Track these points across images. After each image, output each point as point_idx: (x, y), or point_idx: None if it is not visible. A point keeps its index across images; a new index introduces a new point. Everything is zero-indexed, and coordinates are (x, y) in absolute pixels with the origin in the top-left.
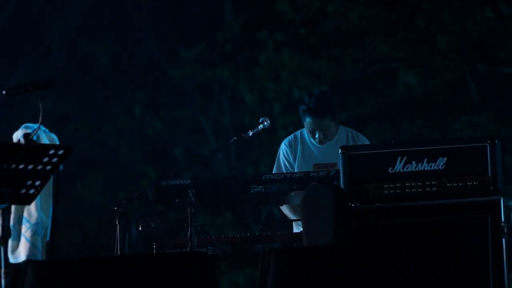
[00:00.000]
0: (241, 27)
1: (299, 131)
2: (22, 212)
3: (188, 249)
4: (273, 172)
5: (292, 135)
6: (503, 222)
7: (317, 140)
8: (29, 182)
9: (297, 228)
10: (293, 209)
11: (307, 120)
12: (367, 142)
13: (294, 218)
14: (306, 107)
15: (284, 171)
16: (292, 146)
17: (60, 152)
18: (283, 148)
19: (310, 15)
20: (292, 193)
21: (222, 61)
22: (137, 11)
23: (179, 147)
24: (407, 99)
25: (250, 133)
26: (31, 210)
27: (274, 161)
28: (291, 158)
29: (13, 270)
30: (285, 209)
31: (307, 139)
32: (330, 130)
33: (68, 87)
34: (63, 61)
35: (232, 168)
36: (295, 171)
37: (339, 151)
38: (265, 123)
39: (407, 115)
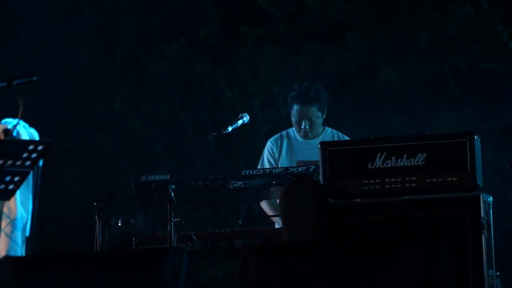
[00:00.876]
0: (222, 22)
1: (285, 130)
2: (2, 207)
3: (168, 244)
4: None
5: (278, 134)
6: (483, 218)
7: (302, 131)
8: (8, 178)
9: (278, 225)
10: (272, 205)
11: (295, 108)
12: None
13: (273, 214)
14: (295, 93)
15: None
16: (277, 143)
17: (40, 147)
18: (268, 146)
19: (290, 10)
20: (272, 189)
21: (203, 56)
22: (117, 5)
23: (159, 142)
24: (387, 94)
25: (230, 129)
26: (11, 206)
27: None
28: (276, 155)
29: None
30: (264, 205)
31: (293, 137)
32: (316, 121)
33: (48, 82)
34: (43, 55)
35: (212, 164)
36: None
37: None
38: (245, 119)
39: (387, 111)
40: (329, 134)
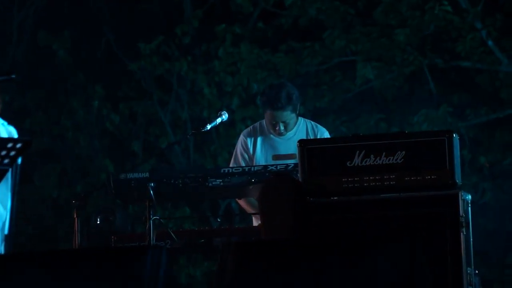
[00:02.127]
0: (200, 20)
1: (258, 122)
2: None
3: (147, 242)
4: (231, 165)
5: (251, 127)
6: (462, 216)
7: (277, 131)
8: None
9: (256, 222)
10: (251, 203)
11: (268, 112)
12: (327, 134)
13: (252, 211)
14: (267, 99)
15: (242, 163)
16: (251, 138)
17: (18, 145)
18: (241, 139)
19: (268, 9)
20: (251, 186)
21: (181, 54)
22: (95, 3)
23: (137, 140)
24: (365, 92)
25: (209, 127)
26: None
27: (232, 155)
28: (250, 149)
29: None
30: (243, 202)
31: (266, 131)
32: (291, 122)
33: (26, 80)
34: (21, 54)
35: (190, 162)
36: (255, 162)
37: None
38: (224, 117)
39: (365, 109)
40: (303, 125)
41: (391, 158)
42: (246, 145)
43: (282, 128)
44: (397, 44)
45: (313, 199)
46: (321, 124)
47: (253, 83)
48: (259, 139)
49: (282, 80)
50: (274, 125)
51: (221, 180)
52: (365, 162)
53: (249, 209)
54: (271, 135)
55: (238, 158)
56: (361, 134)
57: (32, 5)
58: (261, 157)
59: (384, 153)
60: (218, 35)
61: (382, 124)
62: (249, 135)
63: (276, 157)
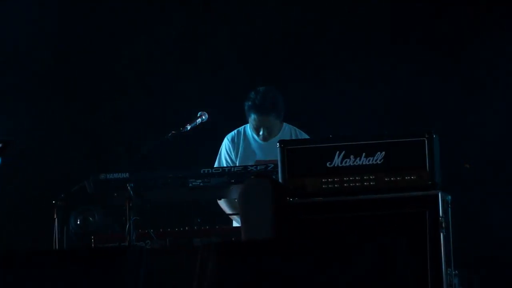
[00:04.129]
0: (182, 21)
1: (243, 127)
2: None
3: (127, 243)
4: (214, 167)
5: (235, 131)
6: (441, 217)
7: (261, 137)
8: None
9: (237, 223)
10: (231, 204)
11: (252, 117)
12: None
13: (231, 212)
14: (251, 103)
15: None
16: (234, 142)
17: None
18: (225, 143)
19: (253, 13)
20: (231, 187)
21: (162, 54)
22: (77, 4)
23: (117, 141)
24: (352, 98)
25: (189, 127)
26: None
27: (213, 155)
28: (233, 154)
29: None
30: (222, 203)
31: (250, 135)
32: (275, 127)
33: (8, 80)
34: (3, 53)
35: (170, 162)
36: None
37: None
38: (203, 117)
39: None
40: (287, 131)
41: (371, 158)
42: (230, 149)
43: (265, 133)
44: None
45: (293, 199)
46: (301, 125)
47: (235, 83)
48: (242, 144)
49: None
50: (257, 129)
51: (201, 181)
52: (345, 162)
53: (228, 210)
54: (255, 140)
55: (222, 161)
56: (341, 135)
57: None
58: (243, 162)
59: (364, 154)
60: (200, 35)
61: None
62: (233, 139)
63: (259, 162)
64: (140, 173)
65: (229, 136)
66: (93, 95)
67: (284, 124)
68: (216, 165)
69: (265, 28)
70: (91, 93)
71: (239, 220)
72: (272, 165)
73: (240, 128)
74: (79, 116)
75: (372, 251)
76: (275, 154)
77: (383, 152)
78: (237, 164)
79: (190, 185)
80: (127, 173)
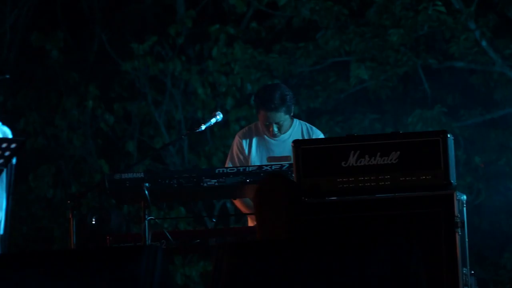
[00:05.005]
0: (193, 20)
1: (254, 123)
2: None
3: (142, 242)
4: (226, 165)
5: (246, 128)
6: (457, 216)
7: (271, 133)
8: None
9: (252, 222)
10: (246, 203)
11: (261, 113)
12: (321, 135)
13: (248, 212)
14: (260, 100)
15: (238, 164)
16: (246, 139)
17: (13, 145)
18: (237, 140)
19: (262, 9)
20: (245, 187)
21: (174, 54)
22: (88, 3)
23: (131, 140)
24: (359, 92)
25: (203, 127)
26: None
27: (227, 155)
28: (246, 150)
29: None
30: (238, 203)
31: (262, 132)
32: (285, 123)
33: (20, 80)
34: (14, 54)
35: (185, 162)
36: (250, 164)
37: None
38: (218, 117)
39: (359, 109)
40: (298, 127)
41: (386, 158)
42: (242, 146)
43: (276, 129)
44: (391, 44)
45: (308, 199)
46: (315, 125)
47: (247, 83)
48: (254, 141)
49: (276, 81)
50: (267, 126)
51: (215, 180)
52: (360, 162)
53: (244, 210)
54: (266, 137)
55: (234, 158)
56: (355, 135)
57: (24, 5)
58: (256, 159)
59: (378, 154)
60: (211, 35)
61: (376, 124)
62: (244, 136)
63: (271, 159)
64: (155, 173)
65: (240, 133)
66: (108, 94)
67: (295, 120)
68: (227, 163)
69: None
70: (105, 92)
71: (254, 220)
72: (287, 165)
73: (251, 125)
74: (92, 115)
75: (387, 250)
76: (288, 150)
77: (398, 152)
78: (250, 161)
79: (205, 184)
80: (142, 173)
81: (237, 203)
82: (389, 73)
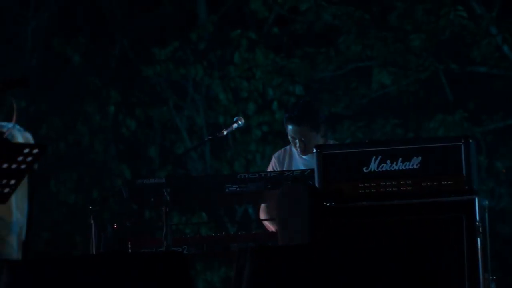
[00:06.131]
0: (215, 26)
1: (289, 145)
2: None
3: (164, 248)
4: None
5: (282, 149)
6: (478, 222)
7: (297, 148)
8: (4, 181)
9: (272, 228)
10: (264, 209)
11: (289, 128)
12: None
13: (264, 218)
14: (287, 114)
15: None
16: (280, 160)
17: (35, 151)
18: (272, 161)
19: (283, 14)
20: (267, 192)
21: (196, 59)
22: (110, 9)
23: (153, 146)
24: (381, 98)
25: (225, 132)
26: (6, 209)
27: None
28: (278, 170)
29: None
30: (263, 213)
31: (295, 153)
32: (311, 139)
33: (42, 86)
34: (36, 60)
35: (207, 167)
36: None
37: None
38: (240, 122)
39: (381, 114)
40: None
41: (408, 163)
42: (276, 166)
43: (301, 144)
44: (413, 49)
45: (329, 204)
46: (337, 130)
47: (269, 88)
48: (286, 161)
49: (298, 86)
50: (293, 141)
51: (237, 186)
52: (382, 167)
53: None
54: (300, 157)
55: None
56: (377, 140)
57: (46, 11)
58: None
59: (400, 159)
60: (233, 41)
61: (398, 129)
62: (279, 156)
63: None
64: (177, 178)
65: (276, 154)
66: (130, 99)
67: (331, 140)
68: None
69: None
70: (127, 98)
71: (272, 226)
72: (308, 170)
73: (286, 147)
74: (114, 121)
75: (409, 256)
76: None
77: (420, 157)
78: None
79: (227, 190)
80: (164, 179)
81: (262, 213)
82: (411, 78)
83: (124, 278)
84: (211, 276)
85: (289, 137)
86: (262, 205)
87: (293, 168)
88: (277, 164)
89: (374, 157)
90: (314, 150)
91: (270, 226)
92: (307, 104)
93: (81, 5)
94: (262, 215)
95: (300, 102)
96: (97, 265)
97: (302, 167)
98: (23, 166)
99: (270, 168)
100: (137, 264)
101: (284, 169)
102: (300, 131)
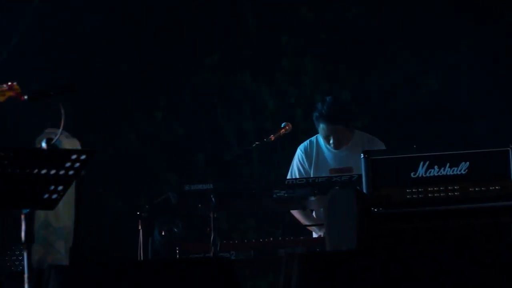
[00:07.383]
0: (262, 32)
1: (315, 136)
2: (46, 217)
3: (211, 254)
4: (287, 178)
5: (307, 141)
6: None
7: (331, 145)
8: (52, 187)
9: (316, 233)
10: (306, 214)
11: (321, 126)
12: (383, 146)
13: (307, 223)
14: (319, 113)
15: (298, 176)
16: (308, 152)
17: (82, 157)
18: (298, 153)
19: (332, 20)
20: (314, 198)
21: (243, 66)
22: (157, 15)
23: (200, 152)
24: (429, 103)
25: (272, 138)
26: (55, 215)
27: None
28: (306, 163)
29: (37, 275)
30: (296, 214)
31: (322, 145)
32: (344, 135)
33: (89, 92)
34: (83, 66)
35: (255, 173)
36: (311, 176)
37: (354, 155)
38: (287, 128)
39: (429, 119)
40: (359, 138)
41: (455, 169)
42: (303, 159)
43: (335, 141)
44: (463, 55)
45: (377, 210)
46: (384, 136)
47: (317, 94)
48: (314, 154)
49: (344, 92)
50: (327, 138)
51: (285, 191)
52: (429, 173)
53: (303, 221)
54: (326, 149)
55: (295, 171)
56: (425, 145)
57: (92, 16)
58: (317, 171)
59: (448, 164)
60: (281, 47)
61: (446, 135)
62: (306, 149)
63: (333, 171)
64: (224, 184)
65: (301, 146)
66: (177, 106)
67: (355, 131)
68: (289, 175)
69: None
70: (173, 105)
71: (317, 231)
72: (356, 176)
73: (312, 138)
74: (161, 128)
75: (457, 261)
76: (349, 162)
77: (467, 163)
78: (310, 173)
79: (274, 195)
80: (211, 184)
81: (295, 214)
82: (461, 84)
83: (172, 284)
84: (259, 281)
85: (322, 135)
86: (294, 212)
87: (322, 161)
88: (303, 157)
89: (422, 162)
90: (362, 156)
91: (302, 219)
92: (339, 102)
93: (127, 11)
94: (301, 219)
95: (330, 100)
96: (145, 271)
97: (331, 160)
98: (70, 172)
99: (295, 161)
100: (185, 270)
101: (313, 160)
102: (335, 129)
